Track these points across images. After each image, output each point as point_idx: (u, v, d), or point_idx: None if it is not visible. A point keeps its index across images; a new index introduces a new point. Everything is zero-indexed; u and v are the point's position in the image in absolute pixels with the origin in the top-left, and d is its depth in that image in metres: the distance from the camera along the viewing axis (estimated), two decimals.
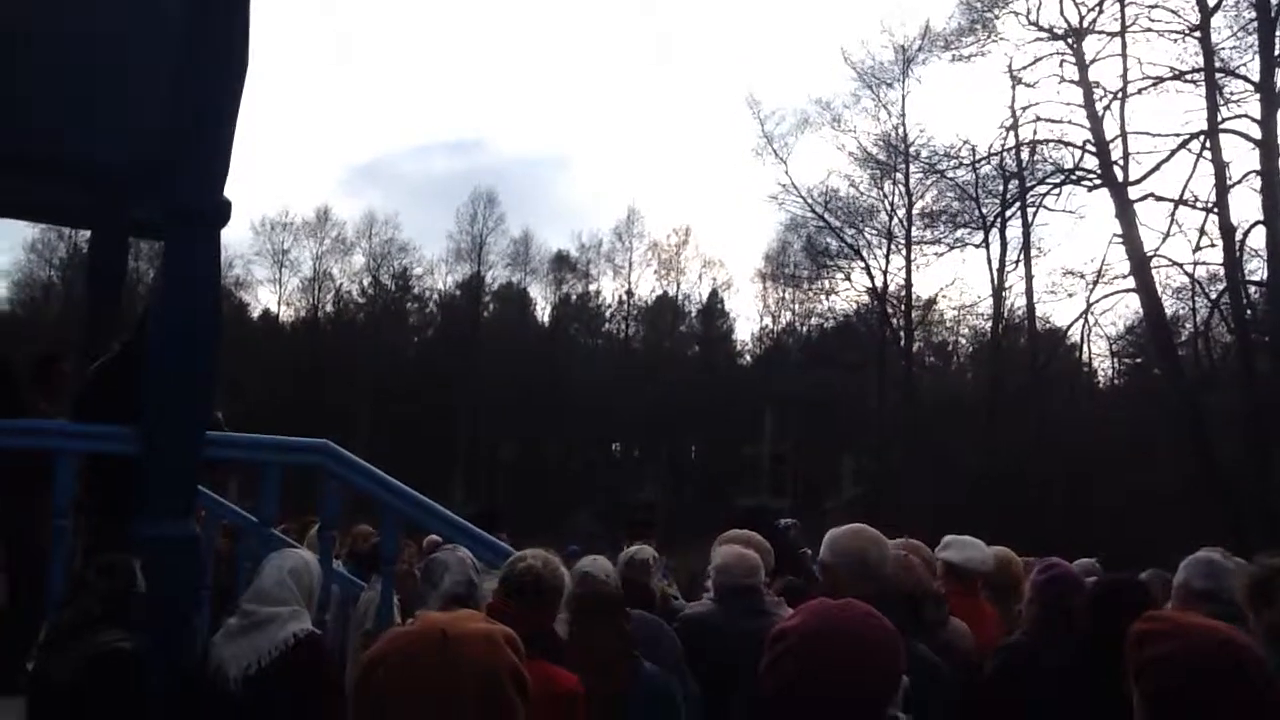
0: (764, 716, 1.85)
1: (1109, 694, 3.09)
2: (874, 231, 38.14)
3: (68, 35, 4.34)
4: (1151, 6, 28.00)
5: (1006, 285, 35.08)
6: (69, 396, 5.67)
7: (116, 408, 3.94)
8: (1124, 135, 28.50)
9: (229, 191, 3.70)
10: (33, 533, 4.85)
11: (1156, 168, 27.55)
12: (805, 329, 49.75)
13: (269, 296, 52.47)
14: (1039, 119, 31.15)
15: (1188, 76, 27.12)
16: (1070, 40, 29.96)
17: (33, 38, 4.27)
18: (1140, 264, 27.31)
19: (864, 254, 37.98)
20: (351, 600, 6.19)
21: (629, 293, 52.99)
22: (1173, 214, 27.04)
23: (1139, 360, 37.23)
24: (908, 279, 37.52)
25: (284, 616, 3.21)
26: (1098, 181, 29.16)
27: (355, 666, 5.23)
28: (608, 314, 54.15)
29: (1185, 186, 26.90)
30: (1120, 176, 28.13)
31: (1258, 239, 25.89)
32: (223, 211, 3.62)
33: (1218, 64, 26.49)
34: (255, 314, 51.99)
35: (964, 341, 44.48)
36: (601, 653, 3.14)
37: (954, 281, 48.26)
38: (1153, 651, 1.86)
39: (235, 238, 48.89)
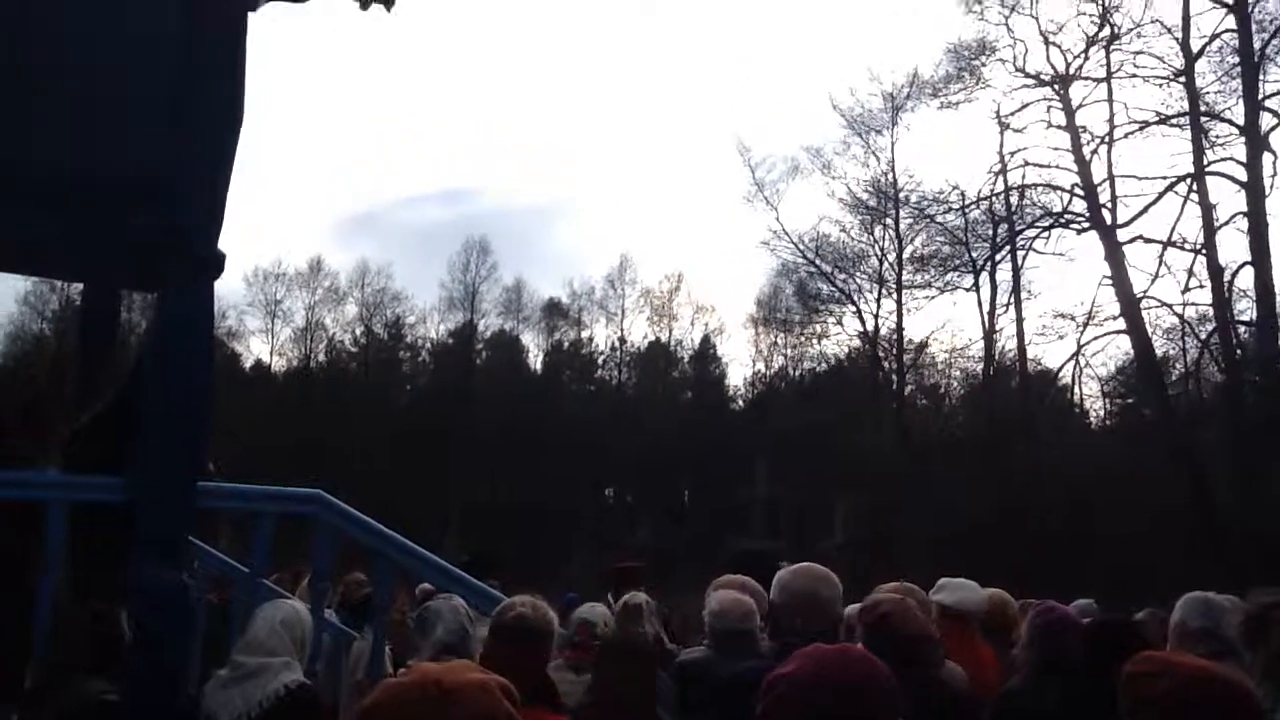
0: None
1: None
2: (865, 276, 38.42)
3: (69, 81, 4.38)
4: (1136, 53, 28.49)
5: (997, 328, 35.28)
6: (60, 446, 5.67)
7: (108, 457, 3.94)
8: (1111, 178, 28.84)
9: (224, 241, 3.72)
10: (23, 577, 4.81)
11: (1144, 210, 27.87)
12: (798, 373, 49.89)
13: (261, 346, 52.45)
14: (1027, 163, 31.53)
15: (1173, 120, 27.50)
16: (1056, 86, 30.41)
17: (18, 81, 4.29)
18: (1130, 305, 27.51)
19: (855, 298, 38.23)
20: (344, 649, 6.15)
21: (621, 339, 53.10)
22: (1161, 255, 27.30)
23: (1130, 400, 37.31)
24: (899, 322, 37.73)
25: (275, 667, 3.19)
26: (1086, 224, 29.43)
27: (348, 717, 5.19)
28: (600, 360, 54.22)
29: (1173, 228, 27.19)
30: (1109, 219, 28.42)
31: (1246, 279, 26.13)
32: (216, 264, 3.64)
33: (1203, 108, 26.89)
34: (248, 364, 51.93)
35: (956, 384, 44.60)
36: (628, 704, 3.13)
37: (945, 325, 48.34)
38: (1145, 691, 1.86)
39: (228, 288, 48.93)
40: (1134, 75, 28.49)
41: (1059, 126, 30.26)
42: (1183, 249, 26.98)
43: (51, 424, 5.84)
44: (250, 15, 3.71)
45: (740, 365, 59.59)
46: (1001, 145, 32.06)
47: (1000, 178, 32.31)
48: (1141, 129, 28.30)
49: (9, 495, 3.78)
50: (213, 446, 4.15)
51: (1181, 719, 1.79)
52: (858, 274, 38.38)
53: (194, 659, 4.62)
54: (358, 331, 52.37)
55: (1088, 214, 29.25)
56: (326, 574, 4.27)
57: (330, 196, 73.08)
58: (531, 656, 3.06)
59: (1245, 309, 26.87)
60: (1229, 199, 26.65)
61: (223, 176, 3.58)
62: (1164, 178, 27.48)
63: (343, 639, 6.22)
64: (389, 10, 4.01)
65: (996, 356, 36.19)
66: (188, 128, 3.50)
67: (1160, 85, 28.09)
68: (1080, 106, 29.97)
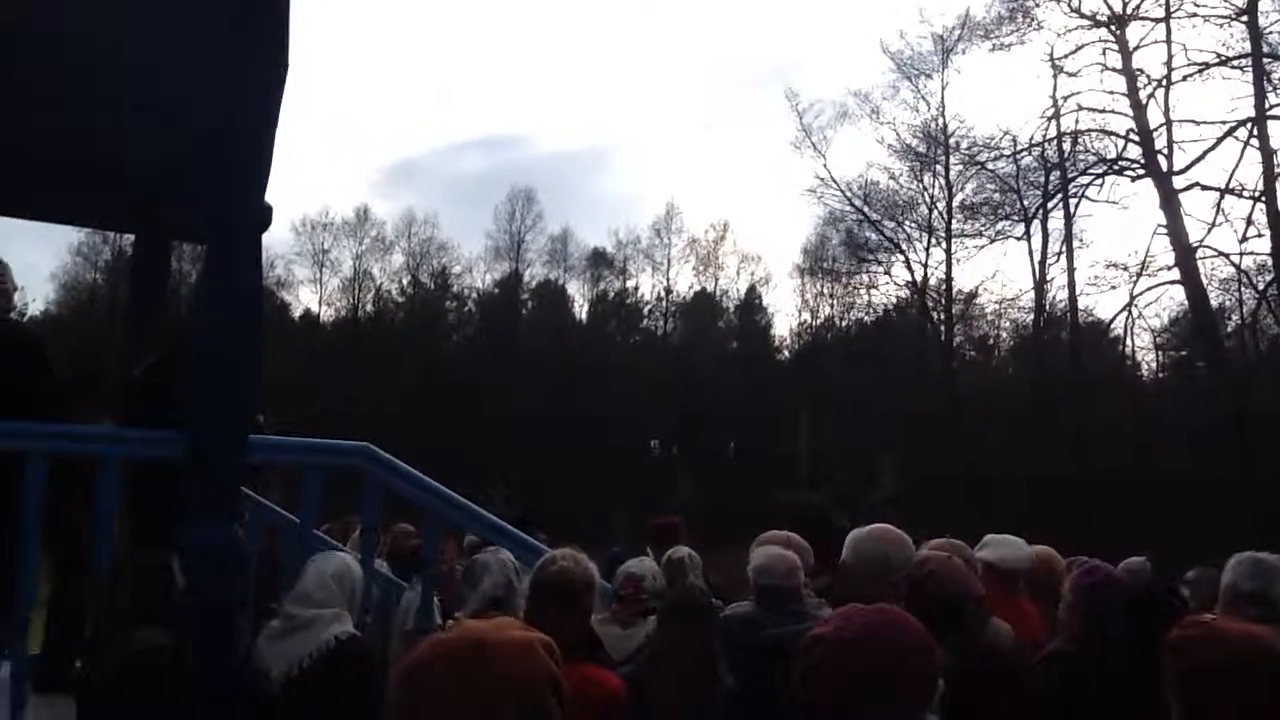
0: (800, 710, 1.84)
1: (1149, 699, 3.07)
2: (914, 225, 37.98)
3: (104, 39, 4.41)
4: None
5: (1048, 278, 34.76)
6: (114, 401, 5.78)
7: (161, 413, 4.00)
8: (1168, 123, 28.11)
9: (271, 192, 3.75)
10: (82, 533, 4.93)
11: (1202, 156, 27.18)
12: (845, 324, 49.54)
13: (310, 296, 53.02)
14: (1081, 108, 30.83)
15: (1234, 62, 26.69)
16: (1113, 27, 29.56)
17: (69, 42, 4.34)
18: (1185, 255, 26.91)
19: (904, 247, 37.80)
20: (393, 600, 6.25)
21: (667, 289, 53.02)
22: (1219, 203, 26.65)
23: (1184, 353, 36.67)
24: (948, 272, 37.32)
25: (326, 619, 3.24)
26: (1141, 171, 28.76)
27: (395, 670, 5.30)
28: (645, 310, 54.19)
29: (1232, 175, 26.49)
30: (1164, 166, 27.73)
31: None
32: (264, 217, 3.66)
33: (1265, 49, 26.04)
34: (296, 314, 52.55)
35: (1005, 335, 44.06)
36: (686, 662, 3.16)
37: (995, 274, 47.91)
38: (1190, 658, 1.84)
39: (276, 238, 49.40)
40: (1194, 15, 27.68)
41: (1114, 69, 29.54)
42: (1241, 196, 26.33)
43: (106, 377, 5.96)
44: None
45: (786, 315, 59.25)
46: (1055, 89, 31.38)
47: (1053, 123, 31.67)
48: (1201, 71, 27.53)
49: (66, 449, 3.85)
50: (262, 398, 4.20)
51: (1226, 687, 1.76)
52: (907, 222, 37.96)
53: (248, 609, 4.73)
54: (404, 281, 52.73)
55: (1143, 160, 28.57)
56: (374, 526, 4.32)
57: (376, 145, 73.45)
58: (573, 610, 3.10)
59: None
60: None
61: (269, 132, 3.59)
62: (1223, 122, 26.74)
63: (392, 590, 6.32)
64: None
65: (1047, 307, 35.70)
66: (234, 87, 3.50)
67: (1221, 25, 27.29)
68: (1137, 48, 29.22)
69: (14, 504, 3.55)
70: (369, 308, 53.13)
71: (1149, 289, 29.70)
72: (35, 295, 46.03)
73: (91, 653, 3.18)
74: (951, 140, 35.86)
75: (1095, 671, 3.32)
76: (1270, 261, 26.41)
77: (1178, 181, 27.41)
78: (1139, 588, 3.66)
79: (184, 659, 3.05)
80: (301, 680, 3.13)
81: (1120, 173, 30.01)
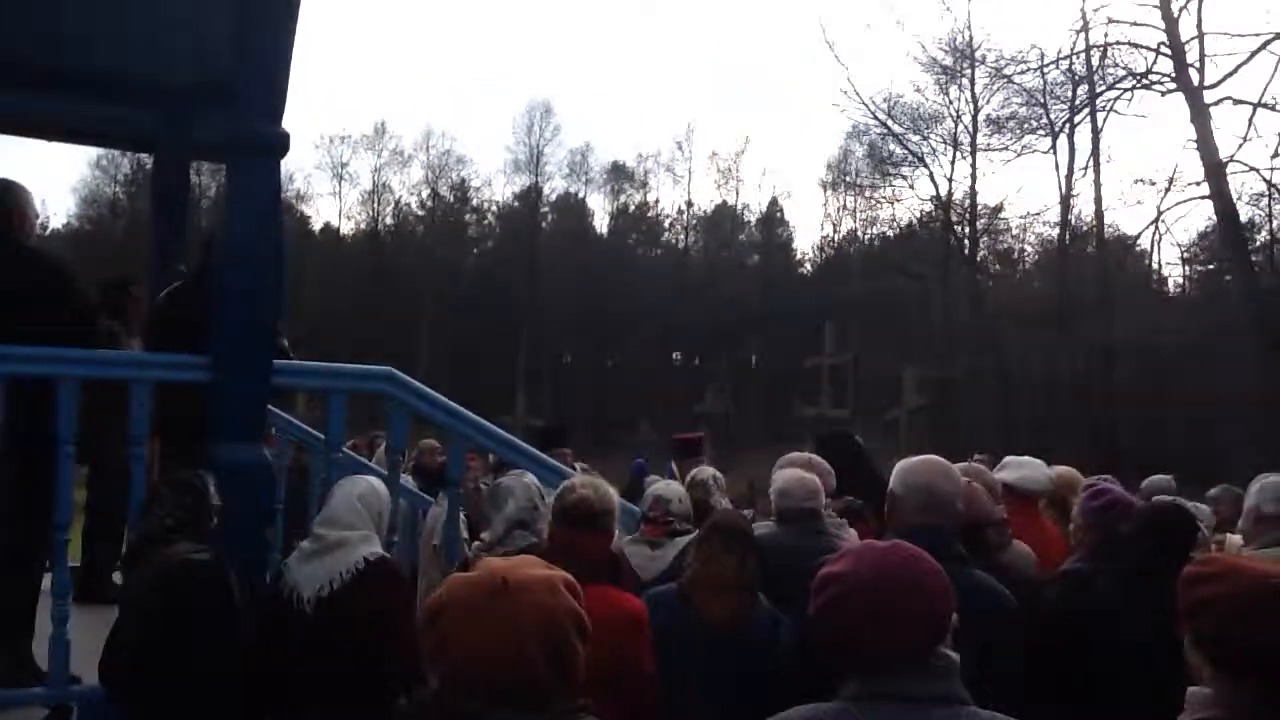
0: (815, 647, 1.87)
1: (1158, 616, 3.12)
2: (939, 138, 37.35)
3: None
4: None
5: (1074, 193, 34.24)
6: (140, 321, 5.82)
7: (186, 335, 4.03)
8: (1200, 36, 27.24)
9: (289, 107, 3.74)
10: (114, 453, 5.02)
11: (1235, 70, 26.34)
12: (868, 237, 49.13)
13: (330, 210, 52.98)
14: (1110, 20, 29.92)
15: None
16: None
17: None
18: (1215, 170, 26.34)
19: (928, 161, 37.22)
20: (420, 514, 6.35)
21: (688, 202, 52.67)
22: (1251, 118, 25.93)
23: (1211, 266, 36.22)
24: (973, 186, 36.78)
25: (354, 540, 3.30)
26: (1172, 86, 27.98)
27: (425, 580, 5.40)
28: (667, 224, 53.93)
29: (1265, 89, 25.74)
30: (1196, 80, 26.97)
31: None
32: (282, 141, 3.64)
33: None
34: (317, 227, 52.55)
35: (1030, 250, 43.62)
36: (725, 583, 3.23)
37: (1020, 189, 47.30)
38: (1205, 593, 1.85)
39: (295, 152, 48.90)
40: None
41: None
42: (1275, 110, 25.61)
43: (132, 302, 6.00)
44: None
45: (807, 229, 58.80)
46: (1084, 1, 30.50)
47: (1081, 36, 30.81)
48: None
49: (95, 374, 3.90)
50: (283, 319, 4.22)
51: (1240, 624, 1.77)
52: (932, 136, 37.30)
53: (277, 527, 4.82)
54: (424, 194, 52.54)
55: (1173, 74, 27.78)
56: (400, 448, 4.38)
57: (393, 58, 72.41)
58: (594, 536, 3.15)
59: None
60: None
61: (284, 59, 3.55)
62: (1257, 34, 25.88)
63: (418, 505, 6.42)
64: None
65: (1073, 222, 35.26)
66: (250, 19, 3.46)
67: None
68: None
69: (49, 424, 3.60)
70: (388, 221, 53.05)
71: (1177, 204, 29.20)
72: (56, 210, 46.25)
73: (131, 564, 3.25)
74: (978, 54, 35.08)
75: (1104, 589, 3.36)
76: None
77: (1209, 96, 26.70)
78: (1150, 509, 3.66)
79: (222, 572, 3.11)
80: (331, 600, 3.20)
81: (1149, 87, 29.23)
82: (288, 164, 3.83)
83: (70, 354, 3.71)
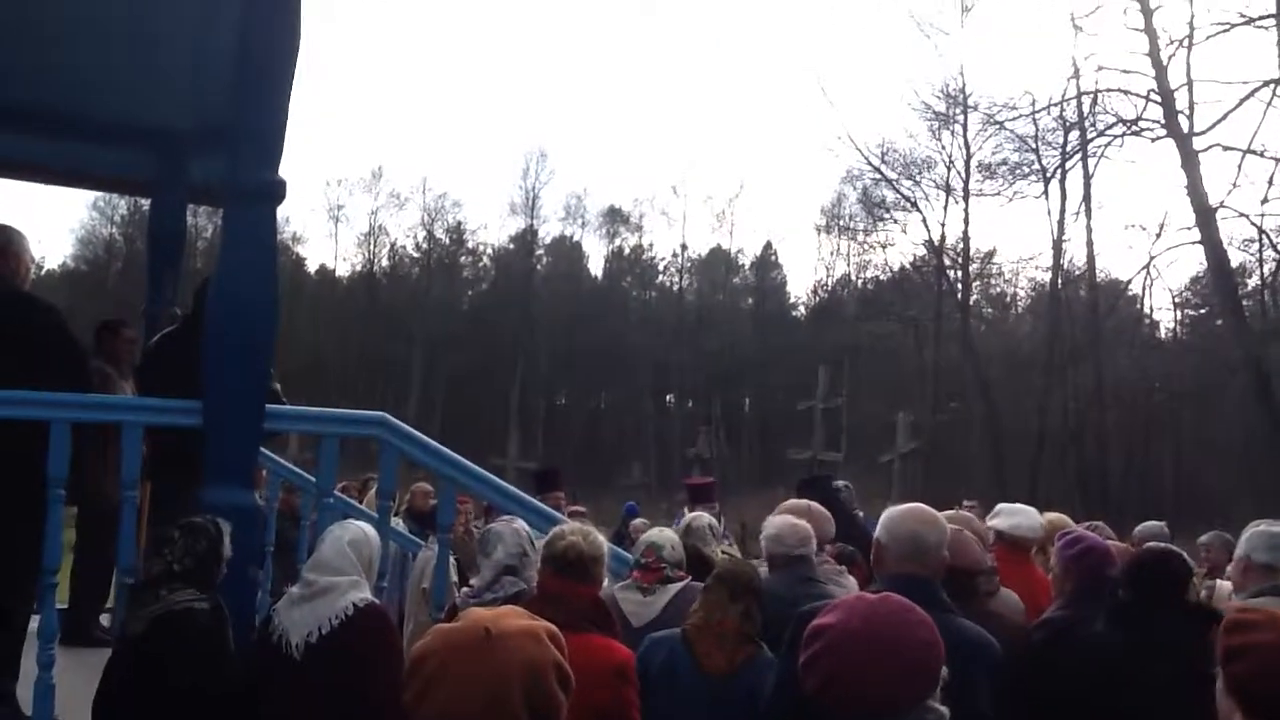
0: (803, 701, 1.88)
1: (1145, 665, 3.13)
2: (932, 183, 37.66)
3: (134, 4, 4.45)
4: None
5: (1066, 237, 34.52)
6: (132, 363, 5.84)
7: (177, 378, 4.05)
8: (1190, 83, 27.57)
9: (288, 150, 3.78)
10: (104, 494, 5.01)
11: (1224, 117, 26.60)
12: (861, 281, 49.38)
13: (326, 251, 53.20)
14: (1101, 68, 30.31)
15: (1258, 21, 26.11)
16: None
17: (100, 6, 4.39)
18: (1205, 215, 26.56)
19: (921, 206, 37.52)
20: (410, 557, 6.34)
21: (683, 245, 52.97)
22: (1240, 164, 26.19)
23: (1202, 311, 36.44)
24: (965, 231, 37.04)
25: (344, 586, 3.29)
26: (1162, 132, 28.28)
27: (414, 624, 5.38)
28: (661, 266, 54.15)
29: (1254, 136, 26.03)
30: (1185, 126, 27.26)
31: None
32: (280, 188, 3.68)
33: None
34: (312, 269, 52.70)
35: (1022, 294, 43.88)
36: (728, 632, 3.24)
37: (1013, 234, 47.70)
38: (1244, 640, 1.90)
39: (292, 194, 49.14)
40: None
41: (1135, 29, 28.97)
42: (1263, 157, 25.87)
43: (125, 344, 6.01)
44: None
45: (801, 273, 59.13)
46: (1075, 49, 30.96)
47: (1073, 83, 31.25)
48: (1224, 31, 26.97)
49: (88, 417, 3.91)
50: (276, 360, 4.25)
51: (1277, 673, 1.82)
52: (924, 181, 37.62)
53: (267, 570, 4.81)
54: (419, 237, 52.77)
55: (1163, 121, 28.10)
56: (390, 493, 4.37)
57: (392, 102, 72.99)
58: (583, 582, 3.16)
59: None
60: None
61: (283, 105, 3.60)
62: (1245, 83, 26.21)
63: (409, 548, 6.41)
64: None
65: (1065, 266, 35.47)
66: (250, 68, 3.52)
67: None
68: (1158, 8, 28.62)
69: (41, 467, 3.61)
70: (384, 263, 53.24)
71: (1168, 249, 29.48)
72: (53, 252, 46.35)
73: (133, 606, 3.25)
74: (970, 100, 35.49)
75: (1085, 635, 3.37)
76: None
77: (1198, 142, 26.96)
78: (1142, 554, 3.68)
79: (221, 623, 3.13)
80: (319, 646, 3.19)
81: (1139, 134, 29.57)
82: (284, 207, 3.86)
83: (63, 398, 3.72)
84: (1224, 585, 5.28)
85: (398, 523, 7.10)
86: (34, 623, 3.96)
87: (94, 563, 5.72)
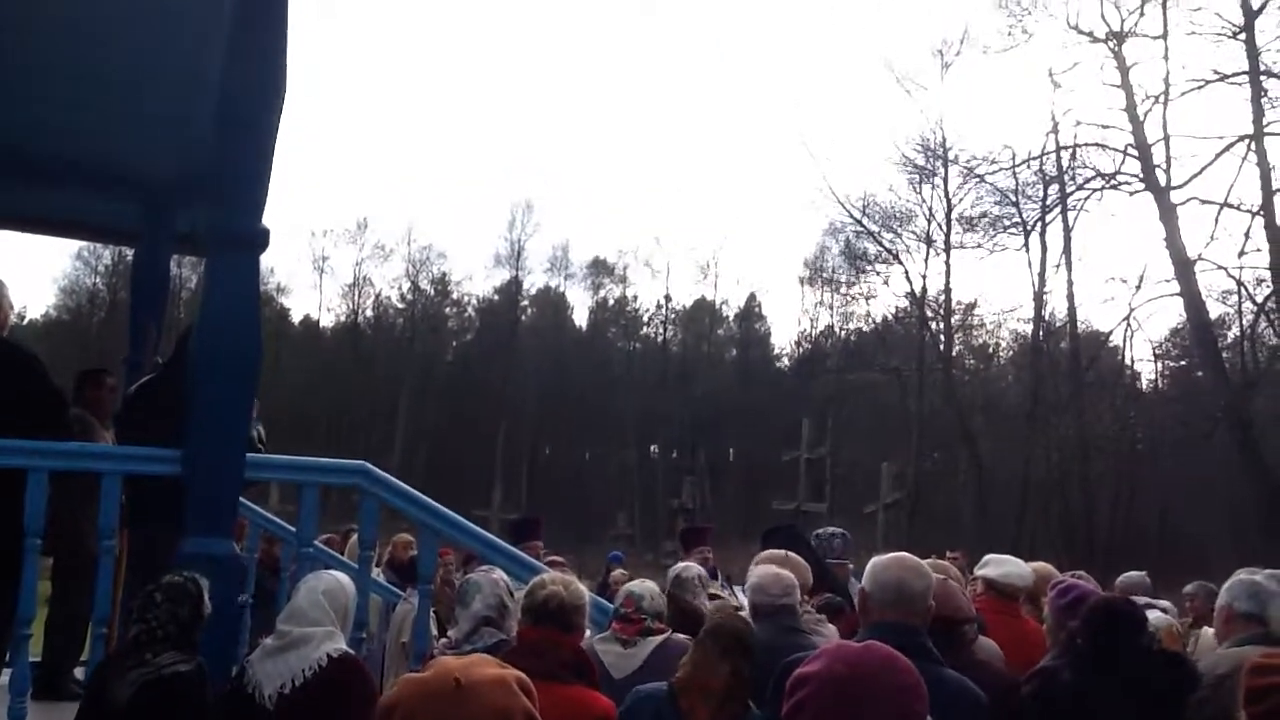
0: None
1: (1111, 706, 3.12)
2: (913, 236, 37.98)
3: (119, 55, 4.49)
4: (1195, 9, 27.63)
5: (1047, 289, 34.83)
6: (113, 411, 5.80)
7: (158, 427, 4.02)
8: (1166, 138, 28.06)
9: (272, 200, 3.79)
10: (81, 544, 4.96)
11: (1200, 171, 27.09)
12: (844, 333, 49.61)
13: (310, 302, 53.15)
14: (1080, 122, 30.84)
15: (1232, 79, 26.66)
16: (1111, 43, 29.61)
17: (86, 57, 4.43)
18: (1184, 268, 26.88)
19: (903, 258, 37.82)
20: (390, 609, 6.27)
21: (667, 297, 53.14)
22: (1217, 217, 26.58)
23: (1183, 363, 36.71)
24: (947, 283, 37.32)
25: (318, 637, 3.26)
26: (1140, 186, 28.72)
27: (392, 676, 5.30)
28: (645, 318, 54.29)
29: (1230, 190, 26.44)
30: (1163, 180, 27.70)
31: None
32: (262, 238, 3.69)
33: (1262, 67, 26.01)
34: (296, 319, 52.63)
35: (1005, 345, 44.13)
36: (714, 690, 3.18)
37: (994, 285, 48.21)
38: (1266, 682, 1.99)
39: (277, 244, 49.20)
40: (1192, 33, 27.63)
41: (1113, 84, 29.53)
42: (1239, 210, 26.27)
43: (106, 393, 5.98)
44: None
45: (785, 324, 59.41)
46: (1053, 103, 31.52)
47: (1052, 137, 31.76)
48: (1199, 87, 27.51)
49: (67, 466, 3.88)
50: (260, 405, 4.23)
51: None
52: (905, 233, 37.96)
53: (245, 620, 4.76)
54: (404, 287, 52.82)
55: (1141, 175, 28.55)
56: (371, 543, 4.34)
57: (377, 153, 73.46)
58: (564, 632, 3.13)
59: None
60: None
61: (267, 155, 3.62)
62: (1221, 138, 26.68)
63: (390, 600, 6.34)
64: None
65: (1046, 318, 35.75)
66: (233, 116, 3.54)
67: (1218, 43, 27.20)
68: (1135, 65, 29.21)
69: (17, 517, 3.57)
70: (368, 313, 53.23)
71: (1148, 300, 29.73)
72: (36, 301, 46.17)
73: (110, 671, 3.20)
74: (950, 153, 35.96)
75: (1071, 686, 3.36)
76: (1269, 275, 26.39)
77: (1176, 195, 27.37)
78: (1094, 604, 3.68)
79: (202, 686, 3.09)
80: (293, 697, 3.15)
81: (1117, 187, 30.02)
82: (268, 256, 3.87)
83: (42, 446, 3.69)
84: (1209, 634, 5.27)
85: (378, 575, 7.03)
86: (5, 675, 3.90)
87: (69, 615, 5.63)
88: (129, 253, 8.45)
